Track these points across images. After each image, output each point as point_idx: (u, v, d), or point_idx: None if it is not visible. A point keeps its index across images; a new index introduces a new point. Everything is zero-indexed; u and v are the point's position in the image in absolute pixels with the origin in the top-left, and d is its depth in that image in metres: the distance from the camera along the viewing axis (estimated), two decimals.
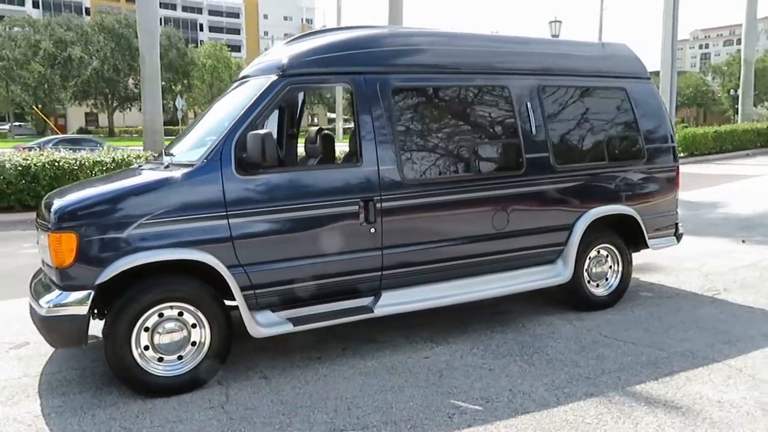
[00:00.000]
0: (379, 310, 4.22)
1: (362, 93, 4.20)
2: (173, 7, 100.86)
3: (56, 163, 10.81)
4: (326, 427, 3.27)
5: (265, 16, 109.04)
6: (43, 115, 45.13)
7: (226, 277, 3.71)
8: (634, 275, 6.30)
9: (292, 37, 4.84)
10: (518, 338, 4.61)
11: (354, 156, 4.31)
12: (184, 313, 3.70)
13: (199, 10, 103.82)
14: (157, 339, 3.64)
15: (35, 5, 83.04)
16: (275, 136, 5.79)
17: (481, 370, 4.02)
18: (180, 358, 3.72)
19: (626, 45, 5.69)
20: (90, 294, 3.46)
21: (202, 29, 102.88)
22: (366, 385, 3.81)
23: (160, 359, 3.67)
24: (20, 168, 10.60)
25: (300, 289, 4.04)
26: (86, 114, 65.75)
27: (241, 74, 4.88)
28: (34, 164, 10.67)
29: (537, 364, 4.09)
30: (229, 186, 3.75)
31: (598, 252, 5.28)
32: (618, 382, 3.79)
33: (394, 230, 4.25)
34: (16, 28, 49.81)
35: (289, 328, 3.94)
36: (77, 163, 10.93)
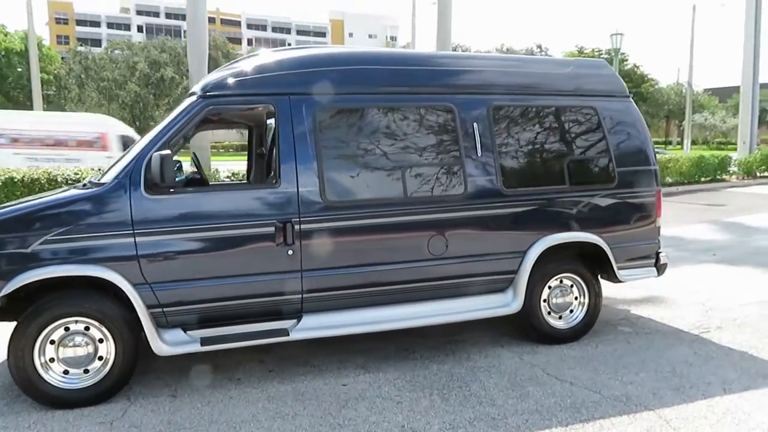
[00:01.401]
0: (296, 334, 4.15)
1: (285, 114, 4.18)
2: (263, 28, 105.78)
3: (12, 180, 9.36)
4: None
5: (350, 35, 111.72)
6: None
7: (128, 294, 3.79)
8: (624, 307, 5.91)
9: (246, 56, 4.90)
10: (453, 370, 4.38)
11: (272, 177, 4.29)
12: (91, 328, 3.81)
13: (288, 30, 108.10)
14: (62, 352, 3.76)
15: (140, 30, 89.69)
16: (251, 154, 5.93)
17: (389, 402, 3.85)
18: (86, 371, 3.82)
19: (603, 62, 5.34)
20: None
21: None
22: (262, 411, 3.74)
23: (66, 372, 3.78)
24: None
25: (214, 309, 4.05)
26: None
27: (189, 91, 5.00)
28: None
29: (451, 400, 3.87)
30: (136, 205, 3.83)
31: (560, 282, 4.94)
32: (522, 425, 3.51)
33: (315, 253, 4.18)
34: (116, 51, 53.83)
35: (196, 347, 3.96)
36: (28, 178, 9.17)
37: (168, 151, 3.78)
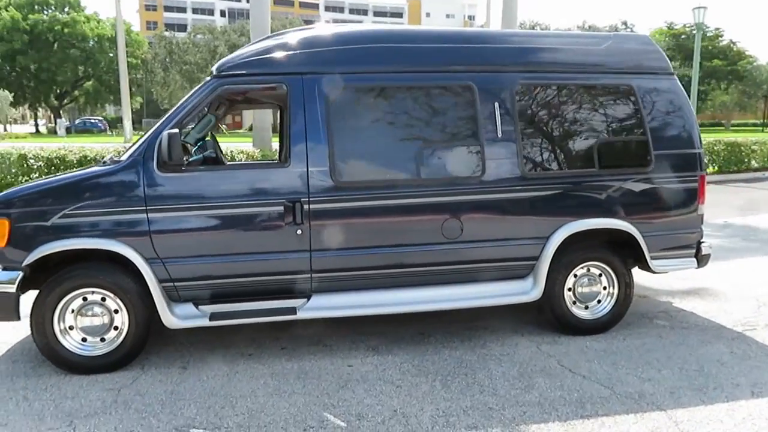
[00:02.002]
0: (303, 313, 4.17)
1: (298, 93, 4.16)
2: (341, 10, 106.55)
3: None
4: (176, 423, 3.33)
5: (428, 15, 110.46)
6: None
7: (140, 268, 3.92)
8: (667, 299, 5.59)
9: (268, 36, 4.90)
10: (464, 357, 4.27)
11: (282, 156, 4.29)
12: (107, 299, 3.98)
13: (365, 12, 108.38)
14: (80, 321, 3.96)
15: (222, 14, 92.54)
16: (282, 134, 5.97)
17: (388, 386, 3.81)
18: (102, 340, 4.01)
19: (645, 37, 4.96)
20: (19, 274, 3.86)
21: None
22: (263, 387, 3.80)
23: (84, 339, 3.98)
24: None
25: (224, 285, 4.14)
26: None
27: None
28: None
29: (452, 387, 3.77)
30: (149, 182, 3.95)
31: (588, 270, 4.68)
32: (518, 417, 3.37)
33: (324, 233, 4.16)
34: (198, 36, 55.86)
35: (204, 322, 4.06)
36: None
37: (175, 130, 3.86)
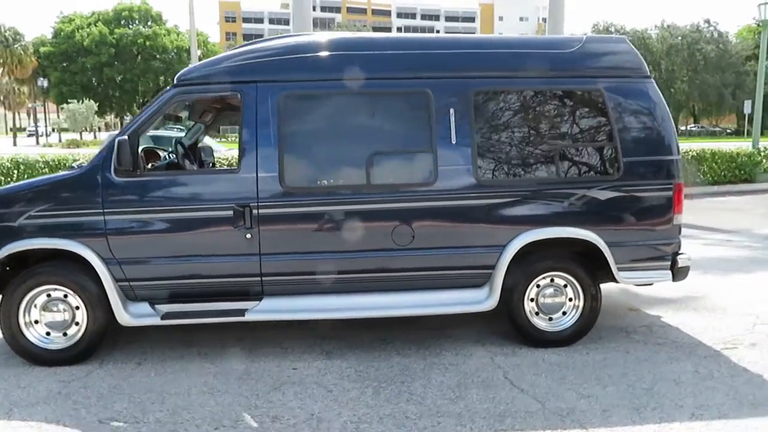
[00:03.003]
0: (252, 315, 4.28)
1: (250, 101, 4.28)
2: (413, 16, 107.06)
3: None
4: (102, 415, 3.51)
5: (500, 18, 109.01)
6: None
7: (96, 268, 4.16)
8: (657, 312, 5.33)
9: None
10: (412, 365, 4.23)
11: (235, 162, 4.41)
12: (68, 296, 4.24)
13: (437, 17, 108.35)
14: (44, 316, 4.24)
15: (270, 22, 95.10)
16: None
17: (320, 390, 3.84)
18: (65, 335, 4.27)
19: (620, 38, 4.74)
20: None
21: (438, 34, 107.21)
22: (200, 385, 3.92)
23: (48, 333, 4.26)
24: None
25: (178, 286, 4.31)
26: None
27: None
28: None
29: (382, 395, 3.76)
30: (106, 186, 4.17)
31: (552, 281, 4.53)
32: (429, 427, 3.32)
33: (273, 237, 4.25)
34: None
35: (156, 321, 4.25)
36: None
37: (125, 137, 4.07)
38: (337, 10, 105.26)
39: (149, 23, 58.19)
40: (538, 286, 4.52)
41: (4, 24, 50.49)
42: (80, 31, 54.09)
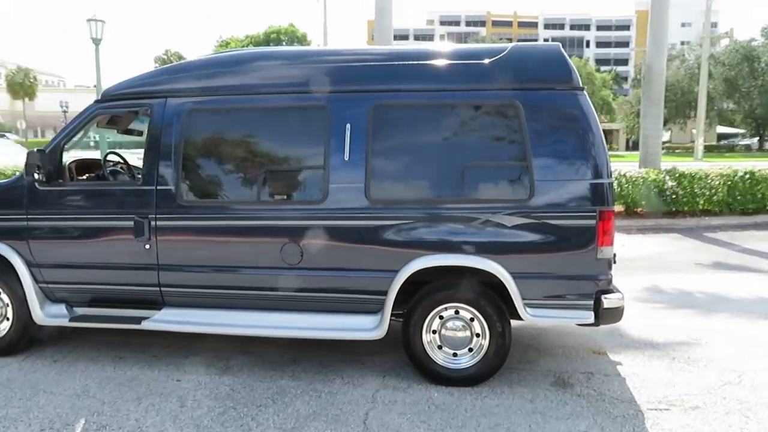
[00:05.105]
0: (147, 324, 4.38)
1: (157, 116, 4.42)
2: (561, 26, 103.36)
3: None
4: None
5: None
6: None
7: (16, 268, 4.53)
8: (620, 358, 4.66)
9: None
10: (291, 390, 4.06)
11: (138, 175, 4.56)
12: (1, 293, 4.67)
13: (587, 27, 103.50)
14: None
15: (442, 38, 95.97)
16: None
17: (175, 404, 3.83)
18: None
19: (554, 47, 4.18)
20: None
21: (588, 45, 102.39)
22: (75, 389, 4.08)
23: None
24: None
25: (87, 291, 4.55)
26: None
27: None
28: None
29: (225, 416, 3.67)
30: (30, 194, 4.53)
31: (456, 313, 4.11)
32: None
33: (170, 250, 4.33)
34: None
35: (65, 322, 4.52)
36: None
37: (36, 149, 4.40)
38: (482, 24, 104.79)
39: (294, 44, 62.18)
40: (441, 317, 4.12)
41: (170, 49, 56.80)
42: None
